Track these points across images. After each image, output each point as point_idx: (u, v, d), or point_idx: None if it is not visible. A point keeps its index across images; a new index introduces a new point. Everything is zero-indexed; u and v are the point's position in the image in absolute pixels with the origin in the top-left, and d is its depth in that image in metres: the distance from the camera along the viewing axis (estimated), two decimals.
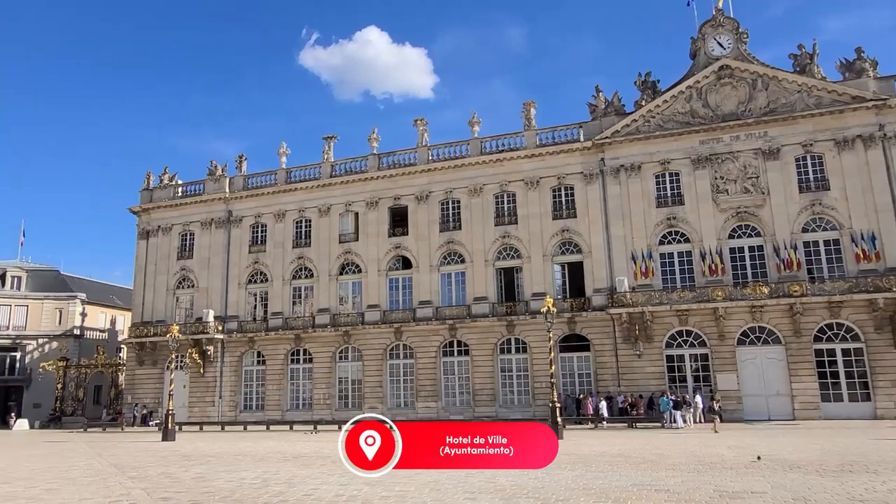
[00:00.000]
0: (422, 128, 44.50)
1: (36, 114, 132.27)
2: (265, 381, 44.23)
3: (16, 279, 56.30)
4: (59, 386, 50.09)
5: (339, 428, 36.13)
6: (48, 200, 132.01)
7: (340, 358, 43.01)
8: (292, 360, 44.14)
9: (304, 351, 43.78)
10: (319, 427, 36.88)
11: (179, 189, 50.26)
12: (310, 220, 45.86)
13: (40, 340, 54.75)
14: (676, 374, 35.65)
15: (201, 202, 48.50)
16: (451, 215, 42.56)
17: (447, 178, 42.70)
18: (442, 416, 38.58)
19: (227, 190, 48.13)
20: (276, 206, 46.61)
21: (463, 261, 41.51)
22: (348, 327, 42.36)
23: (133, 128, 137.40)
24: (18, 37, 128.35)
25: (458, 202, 42.44)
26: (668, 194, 37.98)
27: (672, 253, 37.32)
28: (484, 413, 38.05)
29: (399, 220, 44.04)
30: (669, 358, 35.90)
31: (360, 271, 43.87)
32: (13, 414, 49.57)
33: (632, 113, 39.31)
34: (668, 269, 37.22)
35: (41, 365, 51.39)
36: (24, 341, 54.51)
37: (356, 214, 44.80)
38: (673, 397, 32.72)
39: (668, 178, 38.13)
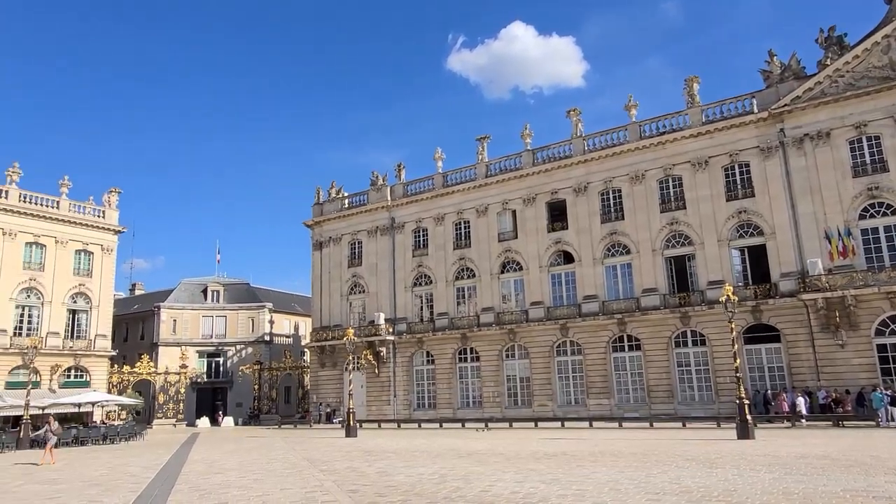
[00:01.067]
0: (575, 118, 43.23)
1: (224, 144, 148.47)
2: (435, 380, 45.42)
3: (215, 293, 63.22)
4: (256, 387, 55.39)
5: (510, 426, 36.05)
6: (236, 220, 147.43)
7: (507, 356, 42.95)
8: (460, 359, 44.88)
9: (471, 350, 44.33)
10: (490, 425, 37.03)
11: (346, 201, 53.34)
12: (468, 221, 46.41)
13: (238, 346, 60.94)
14: (892, 365, 31.01)
15: (366, 212, 51.08)
16: (612, 205, 40.82)
17: (605, 168, 41.03)
18: (616, 413, 37.00)
19: (389, 198, 50.20)
20: (435, 209, 47.77)
21: (628, 251, 39.59)
22: (513, 325, 42.18)
23: (302, 147, 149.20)
24: (204, 70, 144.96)
25: (619, 191, 40.58)
26: (867, 161, 33.27)
27: (876, 228, 32.60)
28: (661, 410, 35.89)
29: (557, 214, 43.09)
30: (881, 348, 31.32)
31: (521, 269, 43.54)
32: (221, 412, 55.64)
33: (814, 75, 35.04)
34: (872, 246, 32.57)
35: (240, 368, 57.23)
36: (225, 347, 60.98)
37: (513, 212, 44.57)
38: (888, 392, 28.48)
39: (865, 143, 33.43)
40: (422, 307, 47.70)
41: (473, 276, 45.50)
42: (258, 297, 64.10)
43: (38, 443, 32.61)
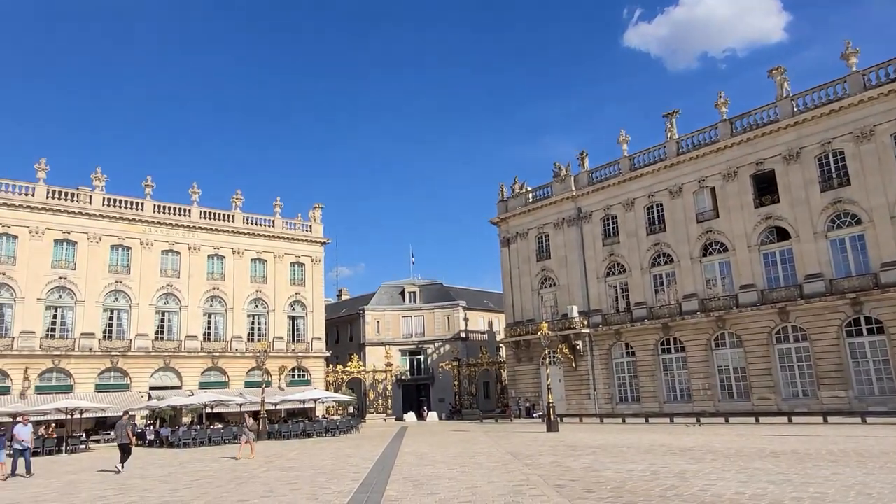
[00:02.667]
0: (779, 77, 38.52)
1: (408, 147, 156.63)
2: (637, 373, 43.19)
3: (412, 294, 66.54)
4: (455, 383, 57.17)
5: (726, 420, 33.01)
6: (427, 223, 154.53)
7: (716, 345, 39.49)
8: (662, 350, 42.21)
9: (674, 340, 41.46)
10: (703, 419, 34.26)
11: (530, 195, 52.97)
12: (661, 204, 43.54)
13: (436, 344, 63.47)
14: None
15: (551, 204, 50.26)
16: (832, 170, 35.68)
17: (822, 128, 35.99)
18: (856, 406, 32.13)
19: (574, 188, 48.89)
20: (623, 195, 45.55)
21: (859, 221, 34.29)
22: (721, 312, 38.67)
23: (483, 143, 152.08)
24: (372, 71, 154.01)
25: (841, 153, 35.34)
26: None
27: None
28: None
29: (765, 186, 38.72)
30: None
31: (725, 250, 39.81)
32: (425, 407, 58.30)
33: None
34: None
35: (440, 365, 59.51)
36: (425, 345, 63.82)
37: (712, 189, 40.92)
38: None
39: None
40: (616, 297, 45.70)
41: (671, 261, 42.55)
42: (452, 296, 66.23)
43: (274, 434, 36.64)
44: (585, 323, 45.72)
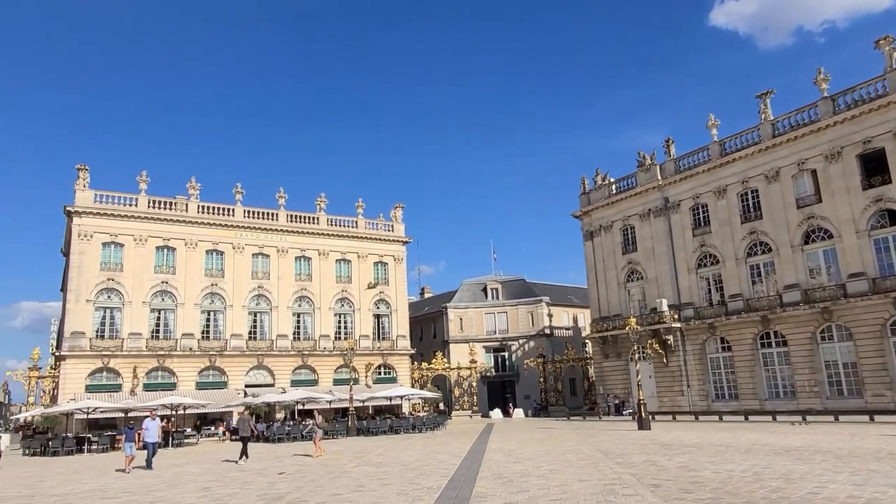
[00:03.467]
0: (888, 48, 35.43)
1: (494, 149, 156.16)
2: (734, 369, 41.01)
3: (494, 290, 66.21)
4: (541, 379, 56.42)
5: (836, 419, 30.79)
6: (507, 219, 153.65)
7: (822, 338, 36.87)
8: (762, 345, 39.86)
9: (775, 333, 39.06)
10: (809, 418, 32.08)
11: (613, 187, 51.42)
12: (756, 190, 41.14)
13: (520, 341, 62.88)
14: None
15: (636, 195, 48.59)
16: None
17: None
18: None
19: (660, 177, 47.04)
20: (713, 182, 43.38)
21: None
22: (827, 303, 36.06)
23: (565, 136, 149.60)
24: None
25: None
26: None
27: None
28: None
29: (874, 167, 35.77)
30: None
31: (830, 236, 37.11)
32: (511, 404, 57.88)
33: None
34: None
35: (525, 362, 58.94)
36: (509, 342, 63.36)
37: (813, 172, 38.25)
38: None
39: None
40: (709, 290, 43.57)
41: (769, 250, 40.12)
42: (534, 292, 65.40)
43: (363, 431, 37.39)
44: (676, 317, 43.88)
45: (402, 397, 46.41)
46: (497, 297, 65.75)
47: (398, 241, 55.41)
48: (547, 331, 62.05)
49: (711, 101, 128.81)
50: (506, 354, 63.58)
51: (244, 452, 22.48)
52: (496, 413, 54.34)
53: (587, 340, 55.05)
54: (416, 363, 54.66)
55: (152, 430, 21.51)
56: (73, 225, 42.85)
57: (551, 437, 28.38)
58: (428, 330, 67.85)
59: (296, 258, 50.43)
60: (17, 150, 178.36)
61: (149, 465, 20.80)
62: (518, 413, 54.23)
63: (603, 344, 49.19)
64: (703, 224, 44.22)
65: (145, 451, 21.37)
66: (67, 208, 42.84)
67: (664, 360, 44.30)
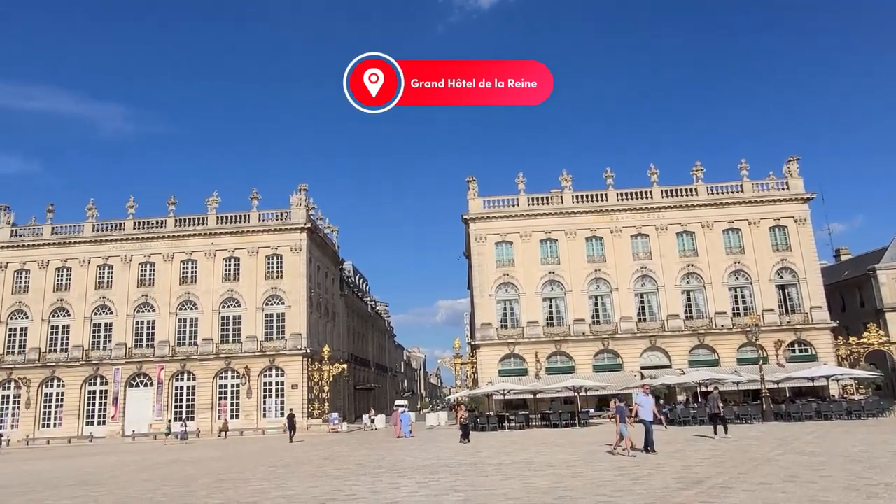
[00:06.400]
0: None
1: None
2: None
3: None
4: None
5: None
6: None
7: None
8: None
9: None
10: None
11: None
12: None
13: None
14: None
15: None
16: None
17: None
18: None
19: None
20: None
21: None
22: None
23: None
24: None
25: None
26: None
27: None
28: None
29: None
30: None
31: None
32: None
33: None
34: None
35: None
36: None
37: None
38: None
39: None
40: None
41: None
42: None
43: (781, 416, 32.76)
44: None
45: (827, 377, 39.43)
46: None
47: (797, 198, 47.68)
48: None
49: None
50: None
51: (723, 427, 22.82)
52: None
53: None
54: (840, 338, 45.99)
55: (646, 407, 18.09)
56: (469, 230, 48.48)
57: None
58: (851, 298, 56.64)
59: (677, 234, 47.81)
60: (417, 168, 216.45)
61: (648, 446, 17.48)
62: None
63: None
64: None
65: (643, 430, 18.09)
66: (464, 216, 48.71)
67: None
